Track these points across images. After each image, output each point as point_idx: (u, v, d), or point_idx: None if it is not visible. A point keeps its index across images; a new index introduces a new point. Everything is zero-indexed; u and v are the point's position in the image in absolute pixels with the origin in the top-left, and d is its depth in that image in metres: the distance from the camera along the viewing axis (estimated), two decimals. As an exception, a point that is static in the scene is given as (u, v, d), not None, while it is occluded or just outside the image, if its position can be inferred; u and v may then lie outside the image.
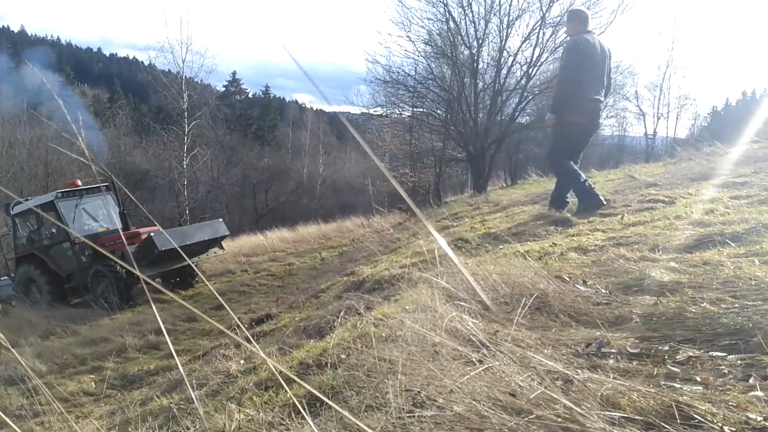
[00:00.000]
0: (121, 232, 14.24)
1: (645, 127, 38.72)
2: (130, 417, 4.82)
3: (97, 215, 15.05)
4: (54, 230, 14.36)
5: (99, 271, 13.00)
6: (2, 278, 19.03)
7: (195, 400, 3.80)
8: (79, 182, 15.25)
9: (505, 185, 25.92)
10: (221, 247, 14.94)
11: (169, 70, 26.17)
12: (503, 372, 1.90)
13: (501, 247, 5.74)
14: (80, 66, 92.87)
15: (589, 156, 31.52)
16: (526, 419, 1.58)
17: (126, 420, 4.87)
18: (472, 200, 13.84)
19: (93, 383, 8.47)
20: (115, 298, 12.91)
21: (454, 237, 6.67)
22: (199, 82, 29.36)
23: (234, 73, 58.52)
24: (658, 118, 38.37)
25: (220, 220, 15.09)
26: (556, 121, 6.95)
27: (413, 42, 19.36)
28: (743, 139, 14.15)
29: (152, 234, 12.52)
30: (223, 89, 55.97)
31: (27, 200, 15.79)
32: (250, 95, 63.74)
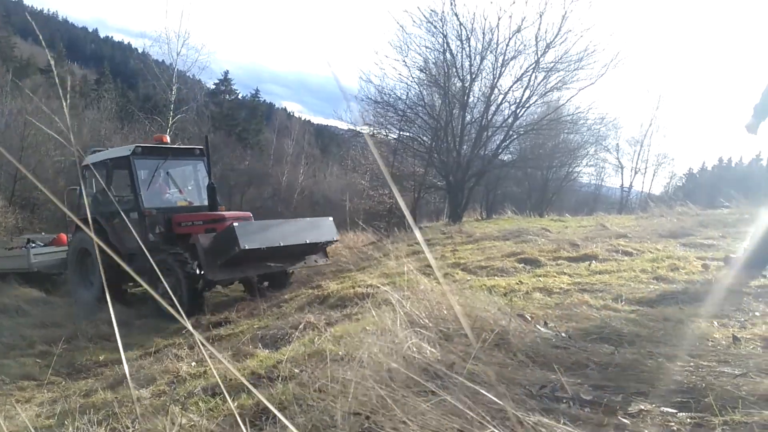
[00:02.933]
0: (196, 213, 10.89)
1: (622, 180, 39.52)
2: (71, 408, 4.66)
3: (183, 185, 11.62)
4: (124, 194, 11.28)
5: (164, 262, 9.33)
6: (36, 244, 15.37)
7: (134, 400, 3.68)
8: (167, 138, 11.56)
9: (480, 218, 26.10)
10: (325, 255, 10.80)
11: (162, 60, 26.02)
12: (455, 407, 1.87)
13: (468, 278, 5.75)
14: (73, 44, 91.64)
15: (563, 201, 32.03)
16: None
17: (66, 410, 4.71)
18: (447, 229, 13.90)
19: (38, 368, 8.19)
20: (180, 300, 9.19)
21: (424, 263, 6.65)
22: (191, 76, 29.24)
23: (226, 73, 58.29)
24: (636, 173, 39.20)
25: (330, 219, 10.86)
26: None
27: (408, 67, 19.53)
28: (715, 203, 14.51)
29: (236, 224, 9.05)
30: (214, 87, 55.67)
31: (100, 151, 12.30)
32: (239, 96, 63.48)
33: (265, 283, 10.75)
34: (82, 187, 11.61)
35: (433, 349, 2.76)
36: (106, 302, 8.75)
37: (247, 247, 8.64)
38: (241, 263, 9.42)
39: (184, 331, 7.55)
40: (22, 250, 14.59)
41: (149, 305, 9.93)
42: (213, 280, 9.20)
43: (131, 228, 10.56)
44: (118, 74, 65.97)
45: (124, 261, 6.14)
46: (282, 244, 9.19)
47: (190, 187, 11.63)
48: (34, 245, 14.82)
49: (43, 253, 14.26)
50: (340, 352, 3.33)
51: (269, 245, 8.98)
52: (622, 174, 38.83)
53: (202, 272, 9.14)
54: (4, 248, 15.72)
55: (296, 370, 3.25)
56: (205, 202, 10.78)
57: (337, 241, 11.05)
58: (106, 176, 10.88)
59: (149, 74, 25.79)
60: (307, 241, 9.75)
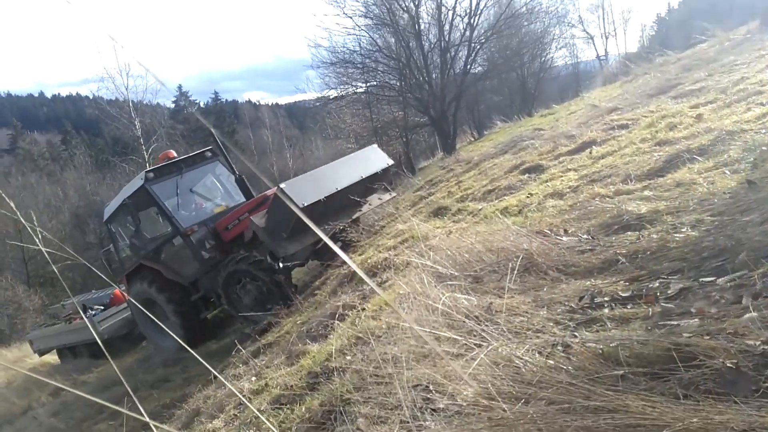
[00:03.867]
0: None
1: (596, 50, 38.88)
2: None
3: (211, 192, 10.72)
4: (159, 226, 10.59)
5: (234, 273, 8.70)
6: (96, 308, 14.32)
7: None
8: (174, 153, 10.76)
9: (473, 139, 25.91)
10: (387, 189, 9.56)
11: (116, 98, 25.63)
12: (505, 350, 1.89)
13: (480, 207, 5.73)
14: (25, 114, 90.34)
15: (547, 92, 31.58)
16: (532, 399, 1.57)
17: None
18: (444, 162, 13.81)
19: (114, 429, 8.40)
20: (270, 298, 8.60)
21: (433, 207, 6.65)
22: (148, 103, 28.82)
23: (180, 87, 57.48)
24: (607, 38, 38.63)
25: (375, 146, 9.72)
26: None
27: (350, 17, 19.07)
28: (691, 41, 14.22)
29: (283, 185, 8.12)
30: (173, 105, 55.01)
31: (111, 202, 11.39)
32: (201, 105, 62.66)
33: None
34: (114, 244, 10.92)
35: (468, 296, 2.78)
36: (189, 341, 9.04)
37: (306, 203, 7.59)
38: (305, 228, 8.30)
39: (234, 352, 7.66)
40: (84, 320, 13.62)
41: (230, 322, 9.94)
42: (286, 255, 8.38)
43: (183, 255, 9.71)
44: (80, 127, 65.17)
45: (190, 291, 7.88)
46: (339, 188, 8.08)
47: (219, 192, 10.73)
48: (94, 312, 13.74)
49: (108, 317, 13.25)
50: (383, 327, 3.37)
51: (327, 194, 7.91)
52: (594, 44, 38.19)
53: (273, 254, 8.40)
54: (63, 321, 14.94)
55: (348, 357, 3.29)
56: (233, 203, 10.03)
57: (392, 165, 9.86)
58: (132, 217, 10.19)
59: (107, 117, 25.46)
60: (363, 176, 8.62)
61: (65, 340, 13.90)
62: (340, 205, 8.35)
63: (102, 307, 14.03)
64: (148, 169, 9.89)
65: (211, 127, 10.66)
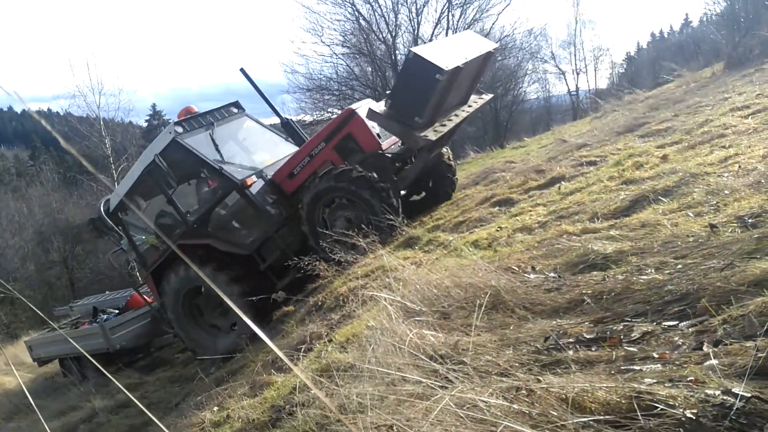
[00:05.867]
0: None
1: (567, 85, 39.85)
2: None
3: (250, 147, 8.96)
4: (196, 188, 8.65)
5: (328, 192, 6.82)
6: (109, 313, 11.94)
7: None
8: (195, 108, 8.78)
9: (446, 167, 26.14)
10: (481, 92, 8.35)
11: (87, 115, 25.27)
12: (469, 393, 1.87)
13: (451, 238, 5.75)
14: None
15: (520, 123, 32.22)
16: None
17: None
18: (417, 191, 13.87)
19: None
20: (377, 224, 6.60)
21: (405, 236, 6.64)
22: (120, 121, 28.46)
23: (154, 106, 57.08)
24: (578, 74, 39.52)
25: (470, 31, 7.72)
26: None
27: (328, 46, 19.34)
28: (659, 80, 14.69)
29: (415, 49, 6.44)
30: (146, 124, 54.46)
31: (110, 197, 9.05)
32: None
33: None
34: (128, 239, 8.74)
35: (435, 332, 2.76)
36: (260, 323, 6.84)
37: (449, 67, 6.11)
38: (443, 110, 6.86)
39: (212, 370, 7.47)
40: (93, 325, 11.36)
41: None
42: (426, 144, 6.58)
43: (243, 215, 7.87)
44: (49, 143, 64.04)
45: (256, 261, 7.23)
46: (468, 59, 6.72)
47: (257, 146, 9.09)
48: (106, 316, 11.57)
49: (123, 323, 10.90)
50: (349, 359, 3.33)
51: (464, 61, 6.56)
52: (565, 79, 39.14)
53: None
54: (69, 326, 12.70)
55: (313, 392, 3.23)
56: (280, 155, 8.32)
57: (496, 48, 8.68)
58: (164, 183, 7.74)
59: (77, 135, 25.07)
60: (481, 53, 7.33)
61: (69, 349, 11.58)
62: (460, 88, 7.09)
63: (116, 311, 11.78)
64: (173, 122, 8.05)
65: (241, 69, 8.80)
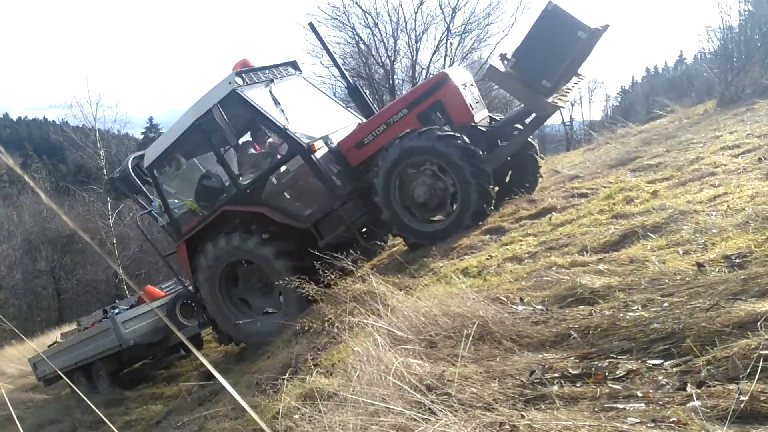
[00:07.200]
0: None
1: (561, 115, 40.30)
2: None
3: (307, 112, 7.67)
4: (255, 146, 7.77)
5: (412, 152, 6.03)
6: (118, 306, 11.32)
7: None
8: (251, 62, 7.53)
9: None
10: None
11: (83, 125, 25.30)
12: (453, 428, 1.86)
13: (441, 265, 5.75)
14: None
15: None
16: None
17: None
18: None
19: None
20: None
21: (396, 261, 6.64)
22: (116, 133, 28.48)
23: (151, 119, 57.33)
24: (573, 105, 40.07)
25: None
26: None
27: (327, 68, 19.52)
28: (652, 115, 14.89)
29: (557, 3, 5.77)
30: (142, 137, 54.56)
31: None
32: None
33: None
34: (162, 200, 7.70)
35: (421, 362, 2.75)
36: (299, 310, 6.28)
37: (593, 25, 5.53)
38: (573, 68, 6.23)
39: (193, 389, 7.37)
40: (104, 321, 10.66)
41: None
42: (550, 111, 6.06)
43: (307, 183, 6.93)
44: (42, 151, 63.90)
45: (314, 236, 6.45)
46: (600, 26, 6.16)
47: (317, 111, 7.91)
48: (117, 310, 10.80)
49: (135, 316, 10.00)
50: (335, 385, 3.30)
51: (603, 24, 6.13)
52: (560, 110, 39.58)
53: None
54: (77, 329, 12.13)
55: (296, 417, 3.20)
56: (343, 124, 7.47)
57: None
58: (213, 140, 7.07)
59: (71, 145, 25.04)
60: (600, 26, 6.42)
61: (78, 357, 10.75)
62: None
63: (126, 307, 11.10)
64: (232, 72, 7.00)
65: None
